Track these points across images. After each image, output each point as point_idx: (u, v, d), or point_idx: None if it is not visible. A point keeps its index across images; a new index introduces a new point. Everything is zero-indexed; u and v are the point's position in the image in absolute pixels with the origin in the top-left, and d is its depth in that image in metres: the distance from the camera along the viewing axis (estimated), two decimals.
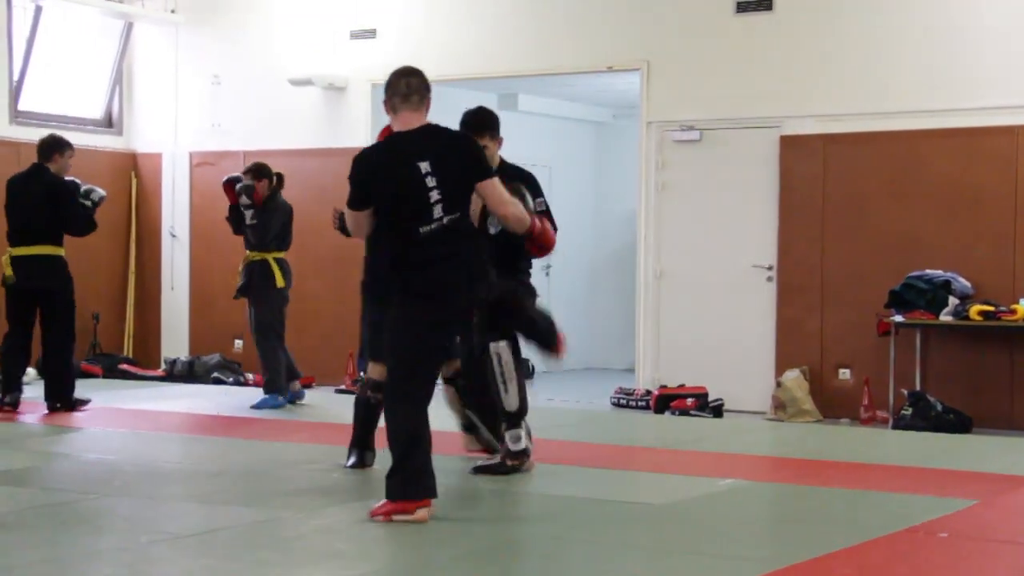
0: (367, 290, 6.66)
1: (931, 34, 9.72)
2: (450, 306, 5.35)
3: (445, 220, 5.27)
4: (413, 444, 5.26)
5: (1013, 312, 9.17)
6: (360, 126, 11.81)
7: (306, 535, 5.23)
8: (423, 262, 5.27)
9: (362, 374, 7.23)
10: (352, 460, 6.65)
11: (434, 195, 5.24)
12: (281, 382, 9.37)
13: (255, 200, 9.33)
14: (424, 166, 5.25)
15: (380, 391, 6.11)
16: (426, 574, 4.68)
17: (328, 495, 6.03)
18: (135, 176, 12.86)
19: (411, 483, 5.25)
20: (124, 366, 11.92)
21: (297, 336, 10.47)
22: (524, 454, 6.31)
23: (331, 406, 9.50)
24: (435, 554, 4.89)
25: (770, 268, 10.31)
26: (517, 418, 6.27)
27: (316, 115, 12.01)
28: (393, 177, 5.28)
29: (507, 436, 6.30)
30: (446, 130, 5.49)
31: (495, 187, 5.44)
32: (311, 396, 9.99)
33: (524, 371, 6.37)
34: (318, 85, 11.80)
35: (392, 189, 5.28)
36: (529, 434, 6.41)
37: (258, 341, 9.41)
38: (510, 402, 6.20)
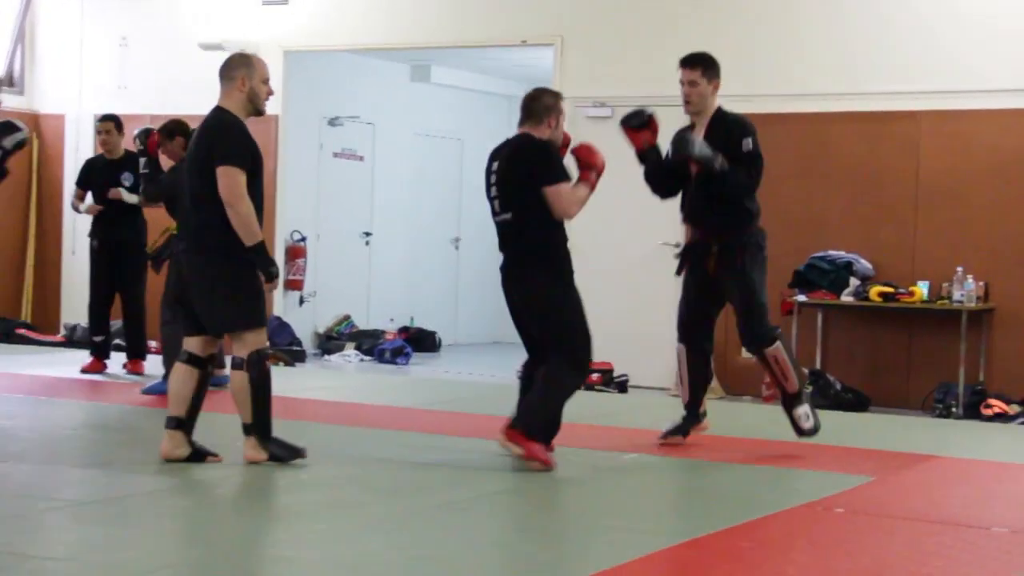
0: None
1: (840, 18, 9.85)
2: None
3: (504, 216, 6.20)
4: None
5: (911, 294, 9.37)
6: None
7: (210, 502, 5.18)
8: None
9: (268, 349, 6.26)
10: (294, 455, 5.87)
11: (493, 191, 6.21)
12: None
13: (149, 151, 8.65)
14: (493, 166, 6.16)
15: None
16: (329, 538, 4.66)
17: (234, 464, 5.97)
18: (37, 137, 12.57)
19: None
20: (21, 331, 11.67)
21: None
22: (815, 431, 6.66)
23: None
24: (340, 521, 4.88)
25: (678, 246, 10.38)
26: (797, 399, 6.65)
27: None
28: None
29: (796, 414, 6.66)
30: (514, 138, 6.12)
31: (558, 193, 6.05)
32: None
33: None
34: (229, 51, 11.57)
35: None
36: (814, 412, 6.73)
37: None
38: (791, 385, 6.60)
